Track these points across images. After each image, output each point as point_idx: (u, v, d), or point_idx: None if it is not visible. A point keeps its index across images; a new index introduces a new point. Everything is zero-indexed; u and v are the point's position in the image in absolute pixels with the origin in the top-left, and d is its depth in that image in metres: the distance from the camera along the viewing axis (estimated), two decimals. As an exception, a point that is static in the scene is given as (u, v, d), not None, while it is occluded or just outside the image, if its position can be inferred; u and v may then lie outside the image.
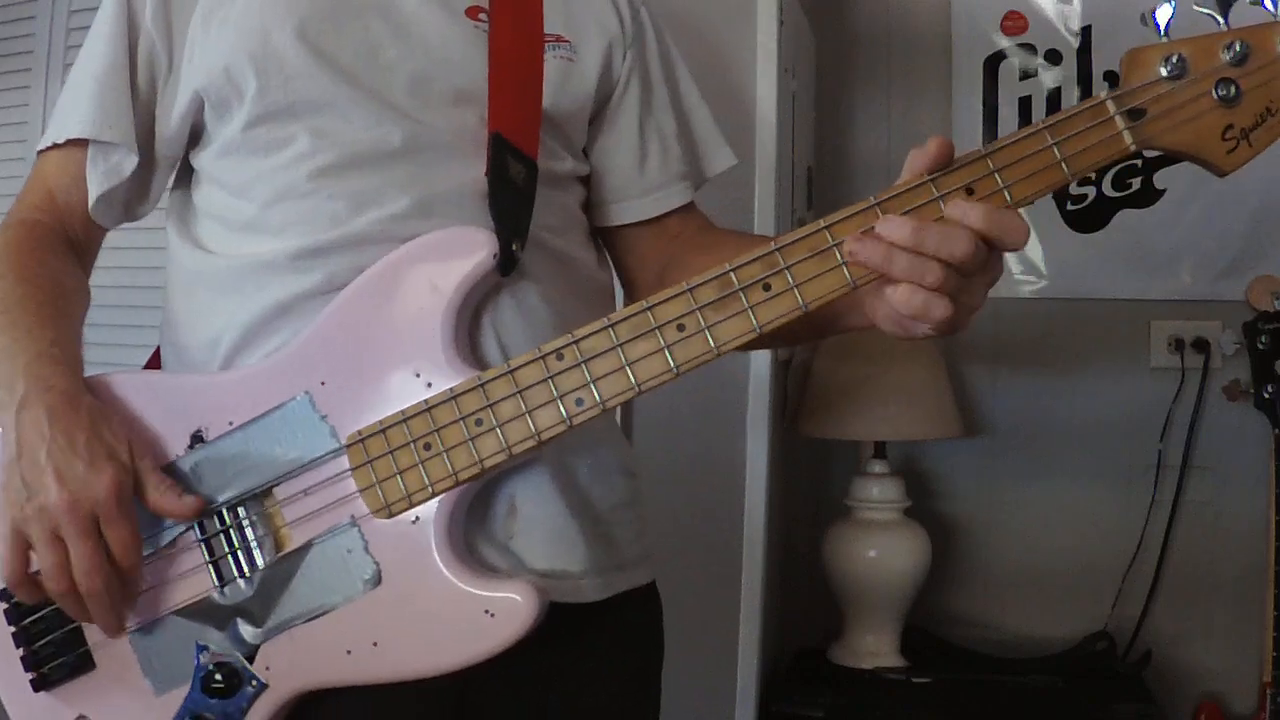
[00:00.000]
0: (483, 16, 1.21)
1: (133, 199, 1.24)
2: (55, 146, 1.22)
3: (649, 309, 1.00)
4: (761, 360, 2.23)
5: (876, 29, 2.92)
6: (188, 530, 1.09)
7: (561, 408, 1.02)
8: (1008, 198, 0.95)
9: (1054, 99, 2.78)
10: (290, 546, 1.07)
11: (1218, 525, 2.66)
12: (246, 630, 1.07)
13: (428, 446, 1.04)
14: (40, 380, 1.06)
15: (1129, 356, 2.72)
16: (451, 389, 1.04)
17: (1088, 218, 2.75)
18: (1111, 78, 2.73)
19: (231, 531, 1.08)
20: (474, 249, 1.08)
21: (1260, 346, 2.39)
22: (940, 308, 0.94)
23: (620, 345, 1.00)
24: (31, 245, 1.19)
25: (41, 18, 2.89)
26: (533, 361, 1.02)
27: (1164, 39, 0.97)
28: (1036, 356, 2.79)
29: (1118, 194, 2.74)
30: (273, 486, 1.08)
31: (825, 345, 2.60)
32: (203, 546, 1.09)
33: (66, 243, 1.22)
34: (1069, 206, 2.75)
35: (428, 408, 1.04)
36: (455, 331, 1.07)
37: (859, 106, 2.93)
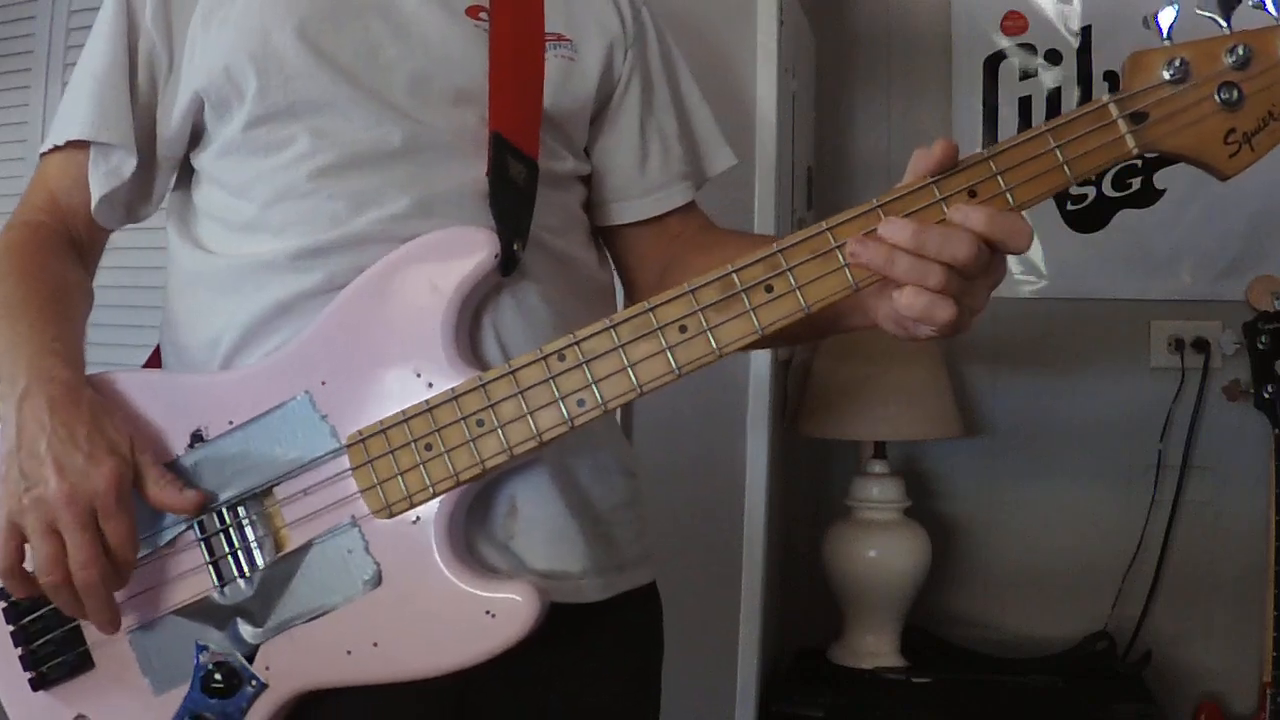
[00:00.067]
0: (483, 16, 1.20)
1: (135, 200, 1.24)
2: (57, 148, 1.22)
3: (651, 310, 1.00)
4: (761, 360, 2.23)
5: (876, 29, 2.91)
6: (187, 529, 1.09)
7: (563, 408, 1.01)
8: (1010, 200, 0.95)
9: (1054, 99, 2.78)
10: (290, 546, 1.07)
11: (1218, 525, 2.66)
12: (246, 630, 1.07)
13: (429, 447, 1.04)
14: (42, 372, 1.06)
15: (1129, 356, 2.72)
16: (453, 389, 1.04)
17: (1088, 218, 2.75)
18: (1111, 78, 2.73)
19: (231, 531, 1.08)
20: (475, 249, 1.08)
21: (1260, 346, 2.39)
22: (944, 310, 0.93)
23: (622, 346, 1.00)
24: (35, 246, 1.19)
25: (41, 18, 2.89)
26: (534, 362, 1.02)
27: (1166, 42, 0.97)
28: (1036, 356, 2.79)
29: (1118, 194, 2.74)
30: (273, 486, 1.08)
31: (825, 345, 2.60)
32: (202, 546, 1.09)
33: (69, 244, 1.22)
34: (1069, 206, 2.75)
35: (429, 408, 1.04)
36: (456, 331, 1.07)
37: (859, 106, 2.93)
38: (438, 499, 1.04)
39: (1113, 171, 2.70)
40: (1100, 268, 2.75)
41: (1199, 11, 0.96)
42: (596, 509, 1.18)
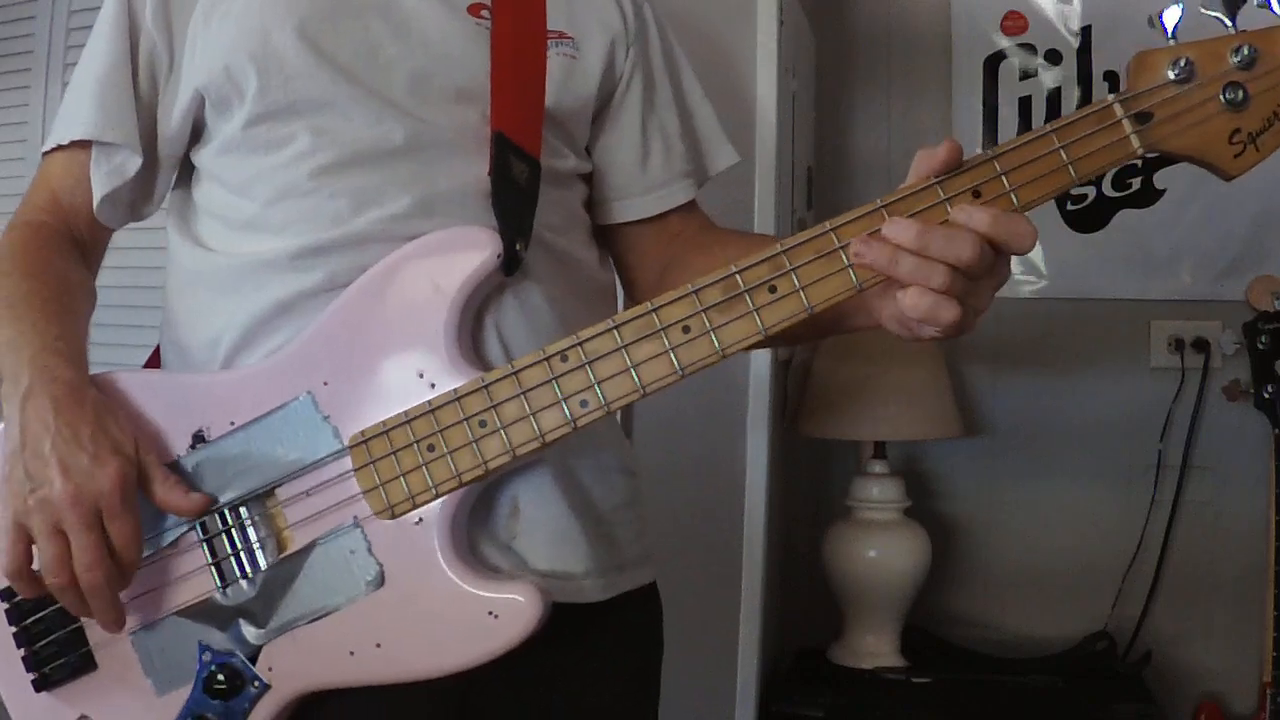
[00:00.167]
0: (484, 13, 1.20)
1: (137, 199, 1.24)
2: (59, 148, 1.22)
3: (654, 310, 1.00)
4: (761, 360, 2.23)
5: (876, 29, 2.91)
6: (189, 531, 1.09)
7: (566, 409, 1.01)
8: (1015, 201, 0.95)
9: (1054, 99, 2.78)
10: (293, 548, 1.07)
11: (1218, 525, 2.66)
12: (249, 631, 1.07)
13: (431, 448, 1.04)
14: (46, 371, 1.06)
15: (1129, 356, 2.72)
16: (455, 390, 1.04)
17: (1088, 218, 2.75)
18: (1111, 78, 2.73)
19: (234, 532, 1.08)
20: (477, 248, 1.08)
21: (1260, 346, 2.39)
22: (948, 311, 0.93)
23: (625, 347, 1.00)
24: (38, 245, 1.19)
25: (41, 18, 2.88)
26: (537, 363, 1.02)
27: (1171, 42, 0.96)
28: (1036, 356, 2.79)
29: (1118, 194, 2.74)
30: (275, 487, 1.08)
31: (825, 345, 2.60)
32: (205, 547, 1.08)
33: (72, 243, 1.22)
34: (1069, 206, 2.75)
35: (431, 409, 1.04)
36: (459, 331, 1.07)
37: (859, 106, 2.93)
38: (440, 500, 1.04)
39: (1113, 171, 2.70)
40: (1100, 268, 2.75)
41: (1204, 11, 0.96)
42: (598, 509, 1.18)
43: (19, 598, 1.10)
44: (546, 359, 1.02)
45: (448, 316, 1.06)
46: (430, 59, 1.17)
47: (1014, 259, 0.99)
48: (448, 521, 1.05)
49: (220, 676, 1.07)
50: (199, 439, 1.09)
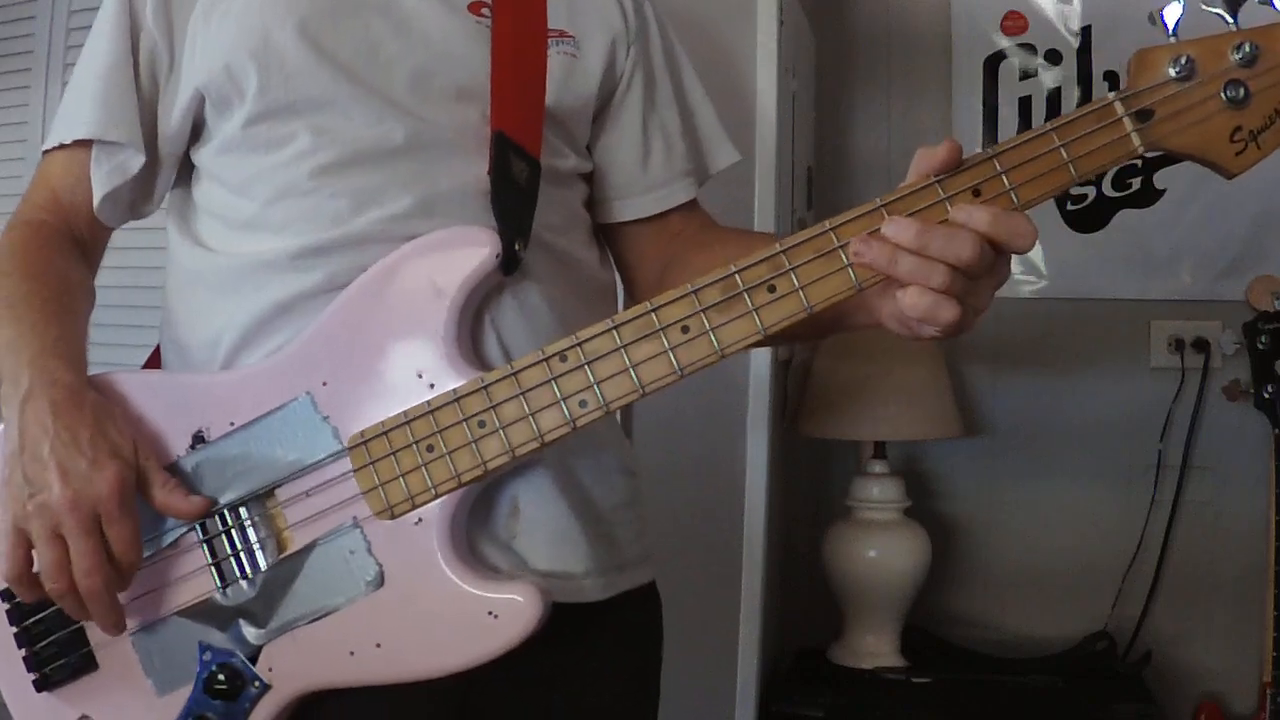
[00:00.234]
0: (485, 12, 1.20)
1: (138, 198, 1.23)
2: (60, 147, 1.22)
3: (653, 310, 1.00)
4: (761, 360, 2.23)
5: (876, 29, 2.91)
6: (189, 531, 1.09)
7: (565, 410, 1.01)
8: (1015, 200, 0.95)
9: (1054, 99, 2.78)
10: (292, 548, 1.07)
11: (1218, 525, 2.66)
12: (249, 631, 1.07)
13: (431, 448, 1.03)
14: (45, 374, 1.06)
15: (1129, 356, 2.72)
16: (455, 390, 1.03)
17: (1088, 218, 2.75)
18: (1111, 78, 2.73)
19: (233, 533, 1.08)
20: (476, 248, 1.08)
21: (1260, 346, 2.39)
22: (947, 310, 0.93)
23: (624, 347, 1.00)
24: (38, 244, 1.19)
25: (41, 18, 2.89)
26: (536, 363, 1.02)
27: (1172, 39, 0.96)
28: (1036, 356, 2.79)
29: (1118, 194, 2.74)
30: (275, 488, 1.07)
31: (825, 345, 2.60)
32: (205, 548, 1.08)
33: (72, 242, 1.22)
34: (1069, 206, 2.75)
35: (430, 409, 1.04)
36: (458, 332, 1.06)
37: (859, 106, 2.93)
38: (440, 500, 1.04)
39: (1113, 171, 2.70)
40: (1100, 268, 2.75)
41: (1205, 8, 0.95)
42: (598, 509, 1.18)
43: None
44: (545, 359, 1.02)
45: (447, 317, 1.06)
46: (431, 57, 1.16)
47: (1014, 258, 0.98)
48: (447, 522, 1.04)
49: (221, 676, 1.07)
50: (199, 439, 1.09)
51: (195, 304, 1.18)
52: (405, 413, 1.04)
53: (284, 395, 1.08)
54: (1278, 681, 2.30)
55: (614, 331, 1.00)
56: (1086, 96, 2.75)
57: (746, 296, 0.98)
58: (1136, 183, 2.72)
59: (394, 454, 1.04)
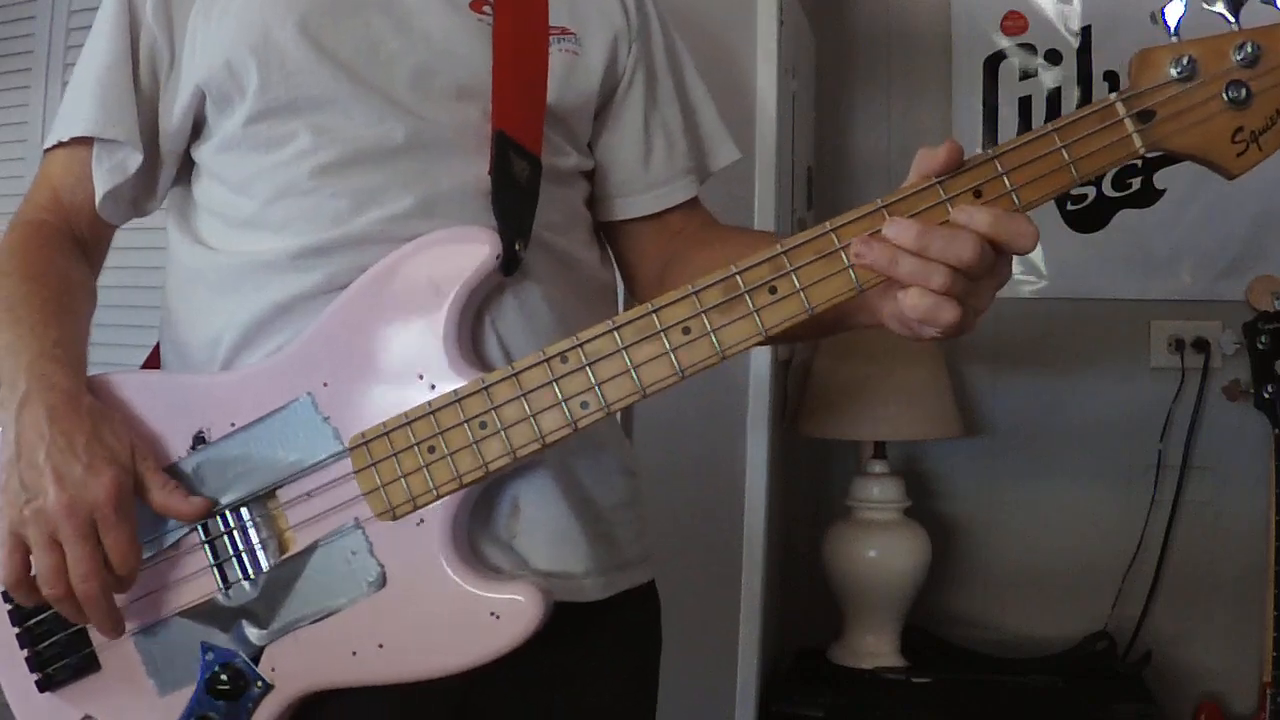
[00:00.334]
0: (486, 9, 1.20)
1: (139, 195, 1.23)
2: (60, 145, 1.22)
3: (654, 311, 0.99)
4: (761, 360, 2.23)
5: (876, 29, 2.91)
6: (191, 532, 1.09)
7: (566, 411, 1.01)
8: (1016, 200, 0.95)
9: (1054, 99, 2.78)
10: (294, 549, 1.07)
11: (1218, 525, 2.66)
12: (251, 632, 1.07)
13: (432, 449, 1.03)
14: (43, 379, 1.06)
15: (1129, 356, 2.72)
16: (455, 391, 1.03)
17: (1088, 218, 2.75)
18: (1111, 78, 2.73)
19: (235, 534, 1.08)
20: (477, 249, 1.08)
21: (1260, 346, 2.39)
22: (948, 311, 0.93)
23: (625, 348, 1.00)
24: (39, 244, 1.19)
25: (41, 18, 2.88)
26: (537, 364, 1.02)
27: (1174, 39, 0.96)
28: (1036, 356, 2.79)
29: (1118, 194, 2.74)
30: (276, 489, 1.07)
31: (825, 345, 2.60)
32: (206, 549, 1.08)
33: (73, 241, 1.22)
34: (1069, 206, 2.75)
35: (431, 410, 1.03)
36: (459, 332, 1.06)
37: (859, 106, 2.93)
38: (441, 501, 1.04)
39: (1113, 171, 2.70)
40: (1100, 268, 2.75)
41: (1206, 7, 0.95)
42: (598, 509, 1.18)
43: (20, 600, 1.10)
44: (547, 360, 1.01)
45: (447, 317, 1.06)
46: (432, 55, 1.16)
47: (1014, 259, 0.98)
48: (449, 522, 1.04)
49: (223, 677, 1.07)
50: (200, 440, 1.09)
51: (195, 303, 1.18)
52: (406, 414, 1.04)
53: (285, 396, 1.08)
54: (1278, 681, 2.30)
55: (615, 333, 1.00)
56: (1086, 97, 2.75)
57: (748, 298, 0.98)
58: (1137, 183, 2.72)
59: (395, 455, 1.04)
